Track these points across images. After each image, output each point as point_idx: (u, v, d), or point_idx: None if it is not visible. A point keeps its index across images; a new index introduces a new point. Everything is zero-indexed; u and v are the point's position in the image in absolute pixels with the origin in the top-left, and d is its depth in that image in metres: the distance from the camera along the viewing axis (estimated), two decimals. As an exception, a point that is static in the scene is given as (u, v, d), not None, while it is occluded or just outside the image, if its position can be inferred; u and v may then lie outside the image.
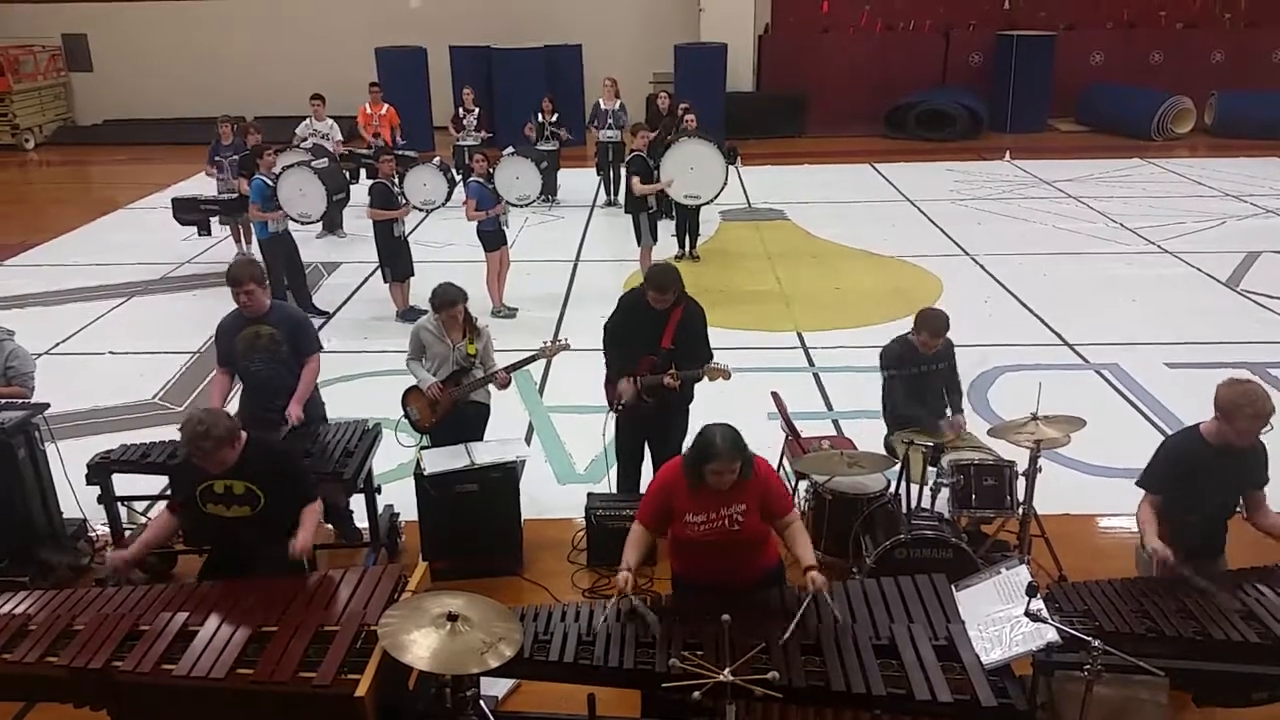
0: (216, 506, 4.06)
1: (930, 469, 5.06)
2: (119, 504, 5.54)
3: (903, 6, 19.80)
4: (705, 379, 5.45)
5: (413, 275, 9.44)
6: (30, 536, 5.33)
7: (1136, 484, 4.35)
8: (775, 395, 5.95)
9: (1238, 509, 4.34)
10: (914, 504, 4.98)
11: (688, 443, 5.60)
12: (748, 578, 3.96)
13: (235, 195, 10.74)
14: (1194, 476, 4.16)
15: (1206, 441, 4.16)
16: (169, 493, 4.87)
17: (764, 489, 3.89)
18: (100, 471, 5.37)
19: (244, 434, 4.09)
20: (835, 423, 7.06)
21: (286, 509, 4.09)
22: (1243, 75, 18.90)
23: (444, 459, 5.45)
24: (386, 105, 13.33)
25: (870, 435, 6.08)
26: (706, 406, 5.65)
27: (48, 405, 5.50)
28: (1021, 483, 5.01)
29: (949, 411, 5.65)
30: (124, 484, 5.53)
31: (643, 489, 5.86)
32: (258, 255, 9.75)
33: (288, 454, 4.36)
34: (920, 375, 5.52)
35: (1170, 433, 6.90)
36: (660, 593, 5.05)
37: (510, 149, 12.15)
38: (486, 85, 16.75)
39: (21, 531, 5.30)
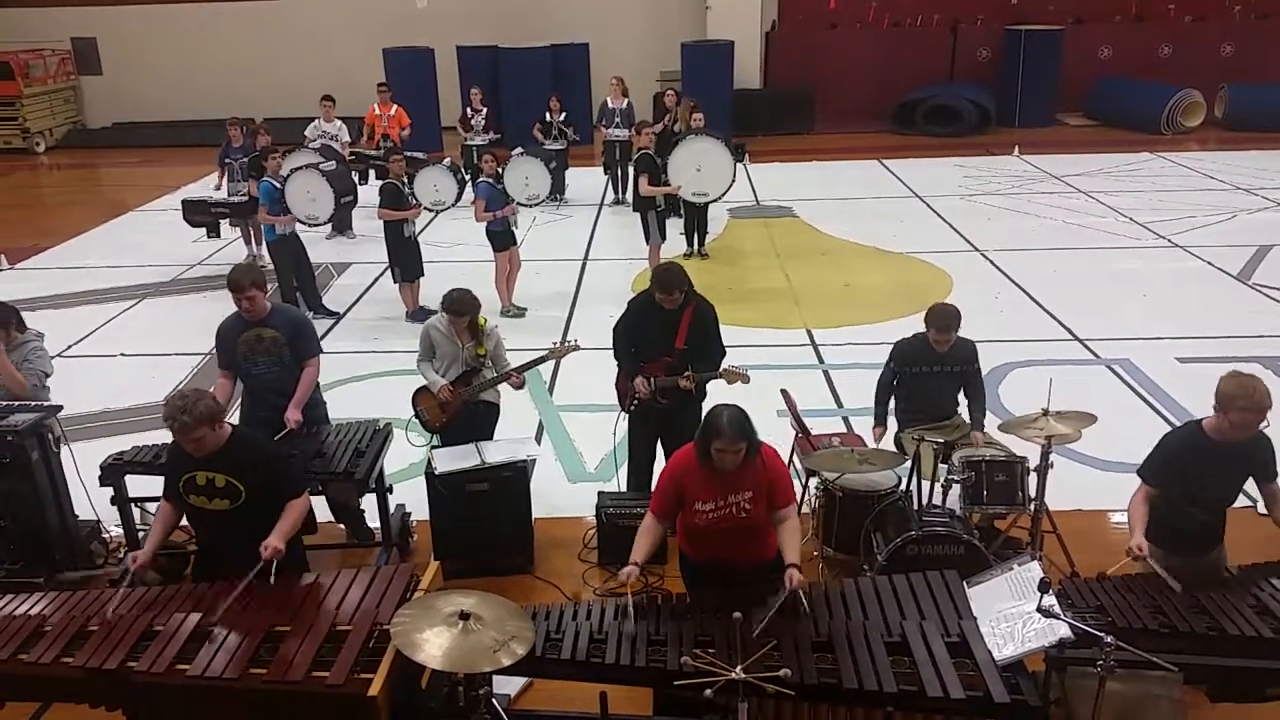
0: (198, 498, 4.06)
1: (941, 465, 5.05)
2: (132, 505, 5.56)
3: (910, 2, 19.71)
4: (724, 381, 5.42)
5: (422, 276, 9.46)
6: (44, 538, 5.35)
7: (1137, 473, 4.41)
8: (785, 393, 5.94)
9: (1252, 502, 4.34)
10: (925, 501, 4.96)
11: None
12: (749, 563, 4.06)
13: (245, 197, 10.78)
14: (1194, 469, 4.21)
15: (1207, 435, 4.19)
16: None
17: (771, 478, 3.97)
18: (113, 473, 5.39)
19: (230, 427, 4.10)
20: (845, 420, 7.06)
21: (268, 507, 4.05)
22: (1253, 68, 18.76)
23: (455, 458, 5.46)
24: (395, 106, 13.34)
25: (881, 432, 6.07)
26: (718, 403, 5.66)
27: (60, 407, 5.52)
28: (1033, 479, 4.99)
29: (965, 417, 5.61)
30: (137, 485, 5.56)
31: (654, 487, 5.88)
32: (267, 257, 9.81)
33: (272, 450, 4.33)
34: (927, 375, 5.49)
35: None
36: (671, 590, 5.07)
37: (519, 149, 12.17)
38: (493, 85, 16.75)
39: (36, 533, 5.31)
